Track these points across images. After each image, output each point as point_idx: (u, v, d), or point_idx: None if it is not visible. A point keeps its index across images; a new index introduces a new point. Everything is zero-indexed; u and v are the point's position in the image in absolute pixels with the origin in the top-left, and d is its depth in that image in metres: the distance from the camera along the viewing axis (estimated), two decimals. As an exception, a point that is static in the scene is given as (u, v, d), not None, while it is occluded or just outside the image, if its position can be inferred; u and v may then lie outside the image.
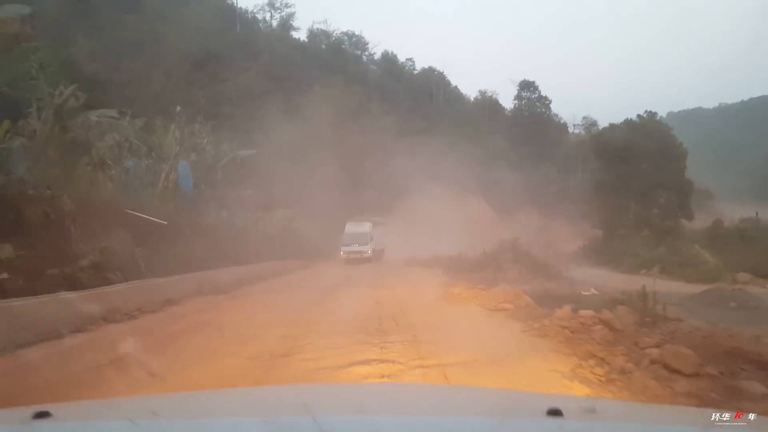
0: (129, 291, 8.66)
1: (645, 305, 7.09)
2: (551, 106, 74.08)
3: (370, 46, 78.56)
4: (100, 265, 10.47)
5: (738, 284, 18.06)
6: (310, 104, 48.57)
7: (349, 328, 6.82)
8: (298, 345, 5.87)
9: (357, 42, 78.08)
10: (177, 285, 10.68)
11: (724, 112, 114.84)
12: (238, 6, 71.89)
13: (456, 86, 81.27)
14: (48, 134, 11.56)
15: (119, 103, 21.84)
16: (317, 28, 74.44)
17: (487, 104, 74.71)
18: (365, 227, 31.44)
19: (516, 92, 73.51)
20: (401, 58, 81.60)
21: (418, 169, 48.42)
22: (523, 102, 72.82)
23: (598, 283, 16.54)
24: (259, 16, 74.27)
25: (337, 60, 67.76)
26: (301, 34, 75.27)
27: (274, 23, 74.09)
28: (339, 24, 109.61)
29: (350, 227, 31.75)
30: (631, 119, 39.71)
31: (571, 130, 77.85)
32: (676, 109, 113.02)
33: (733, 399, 3.41)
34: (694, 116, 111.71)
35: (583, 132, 74.58)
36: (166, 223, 13.51)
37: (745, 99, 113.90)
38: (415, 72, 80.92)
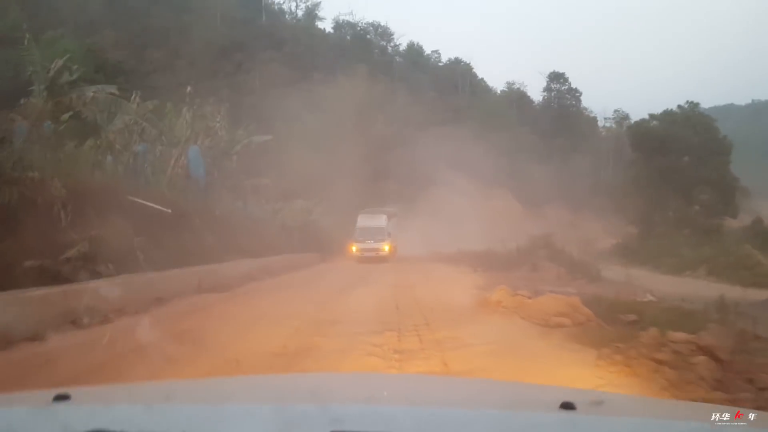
0: (114, 288, 7.55)
1: (726, 319, 5.64)
2: (581, 98, 71.41)
3: (395, 37, 77.02)
4: (89, 256, 9.44)
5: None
6: (333, 94, 47.53)
7: (360, 346, 5.52)
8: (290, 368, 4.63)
9: (382, 33, 76.60)
10: (174, 280, 9.59)
11: (756, 108, 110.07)
12: (263, -5, 71.17)
13: (482, 78, 79.26)
14: (41, 110, 10.56)
15: (144, 91, 20.96)
16: (342, 19, 73.22)
17: (515, 96, 72.43)
18: (381, 220, 27.49)
19: (545, 84, 71.08)
20: (427, 50, 79.77)
21: (442, 161, 46.95)
22: (552, 94, 70.40)
23: (643, 285, 14.97)
24: (285, 7, 73.44)
25: (361, 51, 66.48)
26: (326, 24, 74.23)
27: (299, 13, 73.18)
28: (364, 14, 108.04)
29: (363, 220, 27.97)
30: (671, 110, 37.15)
31: (601, 123, 74.96)
32: (707, 105, 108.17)
33: None
34: (725, 112, 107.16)
35: (614, 126, 71.59)
36: (170, 211, 12.45)
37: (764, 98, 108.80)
38: (441, 64, 79.04)
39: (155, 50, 55.80)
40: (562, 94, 69.90)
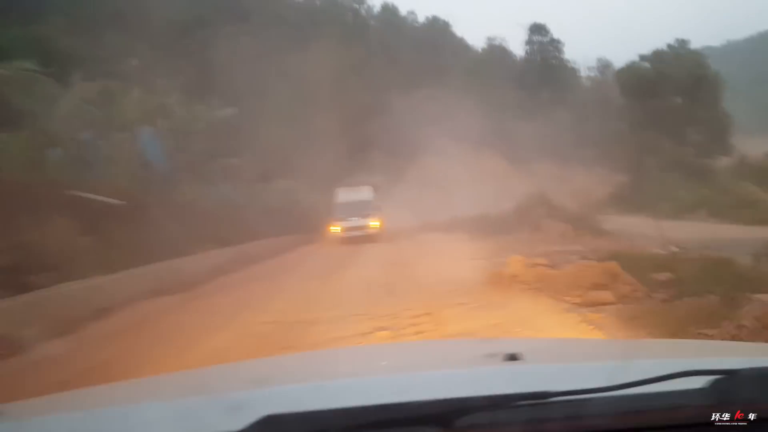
0: (39, 303, 6.12)
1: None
2: (563, 49, 69.24)
3: (367, -1, 73.78)
4: (18, 267, 7.97)
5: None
6: (306, 64, 45.25)
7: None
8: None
9: (353, -6, 73.26)
10: (126, 284, 8.20)
11: (732, 48, 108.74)
12: (223, -35, 67.37)
13: (462, 37, 76.65)
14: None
15: (102, 79, 18.86)
16: (309, -16, 69.72)
17: (497, 52, 70.17)
18: (366, 193, 23.94)
19: (526, 37, 68.72)
20: (402, 11, 76.75)
21: (427, 126, 45.32)
22: (534, 47, 68.11)
23: (644, 232, 13.84)
24: (247, -25, 69.59)
25: (333, 15, 63.64)
26: (292, -9, 70.63)
27: (264, -18, 69.48)
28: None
29: (344, 195, 24.23)
30: (661, 49, 35.45)
31: (585, 73, 72.95)
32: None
33: None
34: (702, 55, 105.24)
35: (598, 75, 69.80)
36: (124, 203, 10.93)
37: (754, 34, 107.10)
38: (417, 25, 76.15)
39: (113, 34, 52.74)
40: (544, 46, 67.73)
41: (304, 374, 1.47)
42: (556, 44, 67.75)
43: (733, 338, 3.35)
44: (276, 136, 37.45)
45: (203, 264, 10.88)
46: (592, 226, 12.21)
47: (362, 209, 22.64)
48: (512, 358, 1.15)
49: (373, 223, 22.68)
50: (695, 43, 38.18)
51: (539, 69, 64.81)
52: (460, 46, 74.51)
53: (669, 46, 36.47)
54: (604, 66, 68.78)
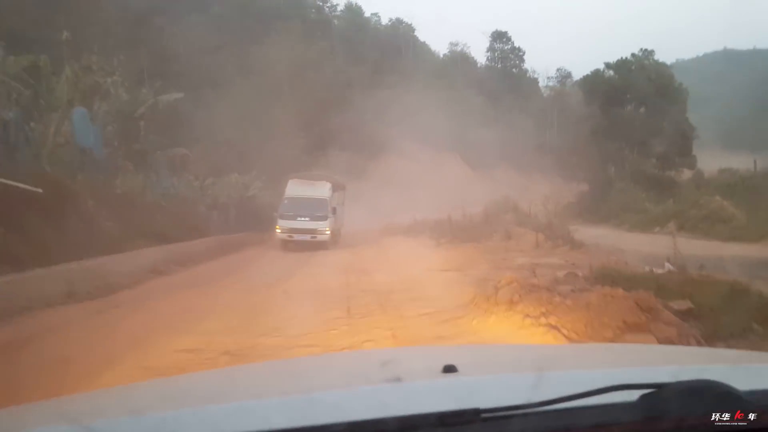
0: None
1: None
2: (524, 57, 70.33)
3: (331, -3, 72.65)
4: None
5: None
6: (266, 57, 43.65)
7: None
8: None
9: (317, -9, 71.98)
10: (30, 287, 6.81)
11: (681, 67, 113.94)
12: (183, -49, 64.63)
13: (425, 42, 76.63)
14: None
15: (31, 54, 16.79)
16: (272, -24, 67.77)
17: (459, 57, 70.43)
18: (322, 188, 19.48)
19: (488, 44, 69.41)
20: (366, 12, 76.02)
21: (389, 127, 44.57)
22: (496, 54, 68.89)
23: (617, 245, 13.42)
24: (208, -37, 67.05)
25: (295, 10, 62.11)
26: (255, -17, 68.52)
27: (226, -29, 67.12)
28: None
29: (296, 188, 19.70)
30: (625, 58, 35.82)
31: (545, 83, 74.39)
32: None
33: None
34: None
35: (557, 85, 71.28)
36: (41, 191, 9.43)
37: (700, 54, 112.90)
38: (381, 26, 75.55)
39: (64, 16, 49.28)
40: (505, 53, 68.55)
41: (224, 392, 1.36)
42: (517, 52, 68.87)
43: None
44: (231, 128, 35.83)
45: (133, 264, 9.47)
46: (564, 236, 11.60)
47: (315, 209, 18.34)
48: (449, 369, 1.16)
49: (324, 228, 18.31)
50: (662, 57, 38.89)
51: (500, 76, 65.55)
52: (422, 49, 74.51)
53: (634, 55, 36.92)
54: (564, 76, 70.47)
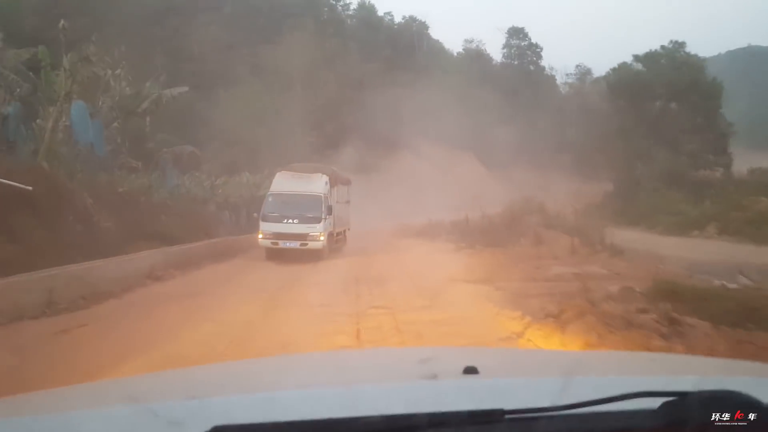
0: None
1: None
2: (542, 54, 68.87)
3: (344, -5, 72.01)
4: None
5: None
6: (279, 55, 43.15)
7: None
8: None
9: (330, -10, 71.29)
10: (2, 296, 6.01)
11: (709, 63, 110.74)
12: (196, -49, 64.55)
13: (438, 39, 75.59)
14: None
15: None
16: (285, -25, 67.29)
17: (474, 54, 69.27)
18: (317, 183, 15.81)
19: (504, 40, 68.08)
20: (380, 11, 75.28)
21: (403, 125, 43.77)
22: (512, 50, 67.58)
23: (656, 251, 12.26)
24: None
25: (308, 9, 61.57)
26: (267, -18, 68.12)
27: (239, -29, 66.84)
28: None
29: (284, 182, 16.12)
30: (654, 50, 34.06)
31: (562, 80, 72.76)
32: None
33: None
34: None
35: (576, 82, 69.67)
36: (30, 188, 8.72)
37: (723, 52, 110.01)
38: (395, 24, 74.70)
39: (80, 17, 49.18)
40: (522, 50, 67.20)
41: (252, 384, 1.44)
42: (534, 49, 67.45)
43: None
44: (243, 127, 35.38)
45: (129, 268, 8.71)
46: (602, 241, 10.52)
47: (306, 208, 15.01)
48: (470, 371, 1.17)
49: (317, 233, 14.83)
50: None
51: (517, 73, 64.22)
52: (436, 47, 73.46)
53: (663, 47, 34.93)
54: (583, 72, 68.82)
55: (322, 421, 0.88)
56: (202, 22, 53.71)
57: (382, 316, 6.23)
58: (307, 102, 39.59)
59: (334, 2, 72.64)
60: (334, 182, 16.81)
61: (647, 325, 4.05)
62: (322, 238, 14.81)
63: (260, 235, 15.20)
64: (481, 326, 5.44)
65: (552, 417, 0.88)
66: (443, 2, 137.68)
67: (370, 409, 0.91)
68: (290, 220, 14.84)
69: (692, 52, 35.85)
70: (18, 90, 12.79)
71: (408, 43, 68.03)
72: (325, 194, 15.54)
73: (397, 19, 75.52)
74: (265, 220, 15.31)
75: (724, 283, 6.37)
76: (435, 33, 76.03)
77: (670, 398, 0.91)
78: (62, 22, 11.23)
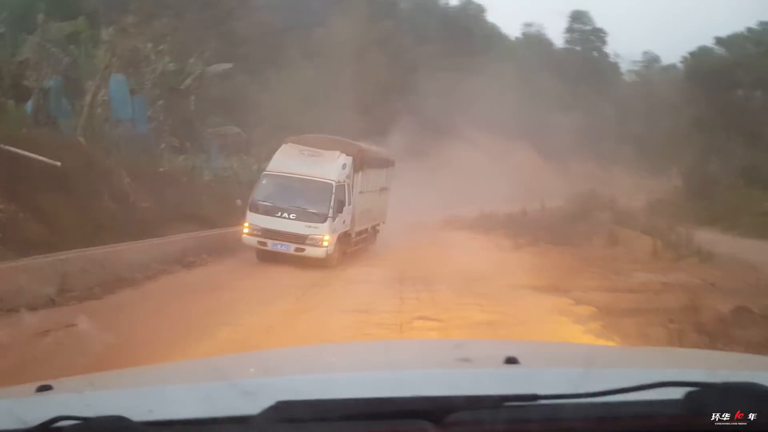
0: None
1: None
2: (607, 39, 64.88)
3: (398, -22, 70.31)
4: None
5: None
6: (329, 38, 42.59)
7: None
8: None
9: (384, -27, 69.74)
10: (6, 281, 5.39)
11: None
12: (252, -66, 64.76)
13: (495, 24, 72.74)
14: None
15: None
16: (339, -42, 66.39)
17: (533, 39, 66.24)
18: (330, 165, 11.86)
19: (566, 25, 64.58)
20: (433, -4, 73.05)
21: (455, 112, 42.31)
22: (575, 35, 64.03)
23: (734, 255, 10.58)
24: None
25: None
26: (321, -36, 67.55)
27: (292, -47, 66.55)
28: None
29: (287, 159, 12.07)
30: (739, 32, 30.90)
31: (627, 67, 68.38)
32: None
33: None
34: None
35: (642, 69, 65.31)
36: (59, 164, 8.20)
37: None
38: (450, 7, 72.47)
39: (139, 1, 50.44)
40: (585, 35, 63.60)
41: (310, 366, 1.58)
42: (598, 34, 63.64)
43: None
44: (293, 110, 35.04)
45: (159, 252, 8.09)
46: (687, 244, 9.05)
47: (309, 199, 11.44)
48: (511, 361, 1.25)
49: (320, 235, 11.13)
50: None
51: (579, 59, 60.86)
52: (493, 31, 70.84)
53: (750, 29, 31.21)
54: (650, 60, 64.42)
55: (373, 399, 0.98)
56: (255, 5, 53.95)
57: (431, 330, 5.17)
58: (357, 86, 38.90)
59: (387, -15, 71.33)
60: (360, 165, 12.74)
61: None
62: (326, 243, 11.02)
63: (245, 230, 11.29)
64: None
65: (580, 403, 0.94)
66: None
67: (415, 390, 1.01)
68: (286, 214, 11.16)
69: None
70: (61, 64, 12.48)
71: (463, 27, 65.82)
72: (339, 182, 11.62)
73: (453, 2, 73.40)
74: (253, 209, 11.51)
75: None
76: (492, 17, 73.08)
77: (694, 389, 0.95)
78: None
